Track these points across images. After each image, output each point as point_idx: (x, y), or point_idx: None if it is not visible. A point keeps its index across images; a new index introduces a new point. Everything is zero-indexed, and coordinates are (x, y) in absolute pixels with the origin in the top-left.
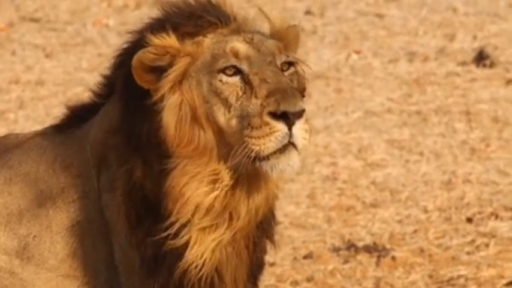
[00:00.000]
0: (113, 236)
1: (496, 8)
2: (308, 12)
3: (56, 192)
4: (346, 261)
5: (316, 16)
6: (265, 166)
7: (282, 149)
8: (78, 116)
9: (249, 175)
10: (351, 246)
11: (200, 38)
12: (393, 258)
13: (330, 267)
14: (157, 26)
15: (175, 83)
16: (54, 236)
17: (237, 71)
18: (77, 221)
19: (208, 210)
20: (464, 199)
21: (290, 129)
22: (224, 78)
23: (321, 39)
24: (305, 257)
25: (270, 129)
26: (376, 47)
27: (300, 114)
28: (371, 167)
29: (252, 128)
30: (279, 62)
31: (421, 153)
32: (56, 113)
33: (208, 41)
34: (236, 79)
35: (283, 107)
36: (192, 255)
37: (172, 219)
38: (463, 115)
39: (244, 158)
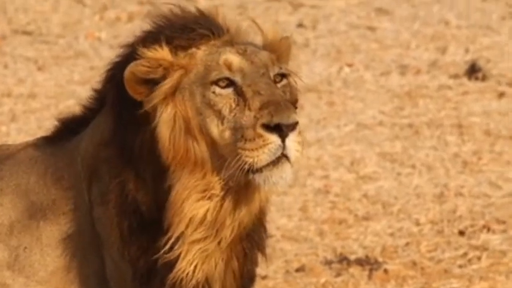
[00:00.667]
0: (104, 249)
1: (488, 21)
2: (300, 25)
3: (46, 204)
4: (338, 274)
5: (308, 29)
6: (258, 179)
7: (275, 162)
8: (69, 129)
9: (239, 187)
10: (343, 259)
11: (193, 50)
12: (385, 271)
13: (322, 280)
14: (149, 38)
15: (168, 95)
16: (45, 248)
17: (230, 83)
18: (68, 233)
19: (200, 223)
20: (457, 212)
21: (283, 141)
22: (217, 90)
23: (313, 52)
24: (297, 270)
25: (263, 141)
26: (368, 60)
27: (293, 126)
28: (363, 180)
29: (246, 140)
30: (272, 74)
31: (413, 166)
32: (48, 125)
33: (201, 53)
34: (229, 91)
35: (276, 119)
36: (183, 265)
37: (169, 233)
38: (455, 128)
39: (238, 170)
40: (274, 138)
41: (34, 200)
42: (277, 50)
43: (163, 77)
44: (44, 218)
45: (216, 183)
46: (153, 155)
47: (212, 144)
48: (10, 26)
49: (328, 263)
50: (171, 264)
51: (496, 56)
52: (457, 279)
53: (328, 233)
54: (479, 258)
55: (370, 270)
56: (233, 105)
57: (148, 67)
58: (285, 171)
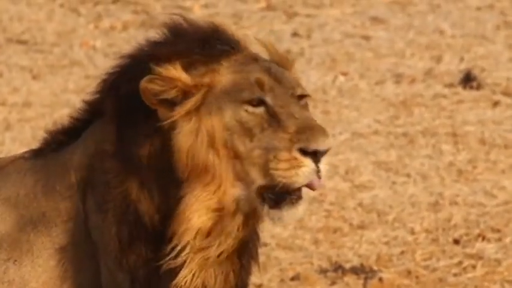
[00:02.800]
0: (100, 259)
1: (483, 30)
2: (295, 34)
3: (37, 217)
4: (333, 283)
5: (303, 38)
6: (283, 209)
7: (299, 197)
8: (58, 141)
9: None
10: (338, 268)
11: (215, 65)
12: (380, 279)
13: None
14: (162, 52)
15: (192, 110)
16: (36, 259)
17: (261, 102)
18: (60, 244)
19: (207, 234)
20: (451, 221)
21: (316, 165)
22: (250, 108)
23: (307, 61)
24: (292, 279)
25: (298, 163)
26: (363, 69)
27: (326, 151)
28: (358, 189)
29: (279, 161)
30: (296, 95)
31: (408, 175)
32: (43, 134)
33: (224, 69)
34: (261, 110)
35: (314, 146)
36: (185, 273)
37: (174, 241)
38: (450, 137)
39: (261, 192)
40: (308, 162)
41: (24, 213)
42: (285, 66)
43: (178, 97)
44: (35, 230)
45: (230, 198)
46: (163, 165)
47: (234, 159)
48: (4, 35)
49: (323, 271)
50: (174, 272)
51: (491, 65)
52: (452, 287)
53: (323, 242)
54: (474, 267)
55: (365, 278)
56: (265, 125)
57: (162, 86)
58: (302, 207)
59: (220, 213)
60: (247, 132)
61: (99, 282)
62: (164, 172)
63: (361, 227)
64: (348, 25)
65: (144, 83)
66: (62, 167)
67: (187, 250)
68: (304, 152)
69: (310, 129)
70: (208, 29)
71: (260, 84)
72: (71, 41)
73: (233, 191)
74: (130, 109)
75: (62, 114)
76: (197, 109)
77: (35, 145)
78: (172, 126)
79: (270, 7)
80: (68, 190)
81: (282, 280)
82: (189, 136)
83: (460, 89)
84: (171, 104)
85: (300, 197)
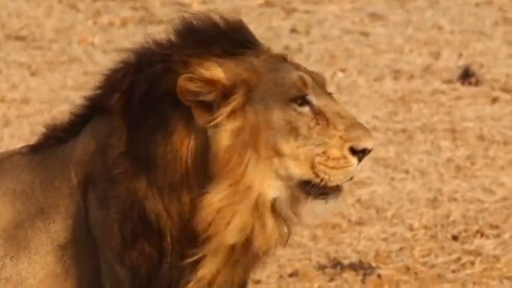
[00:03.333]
0: (101, 255)
1: (482, 26)
2: (293, 31)
3: (34, 213)
4: (331, 279)
5: (301, 34)
6: (319, 203)
7: (340, 190)
8: (56, 137)
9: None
10: (337, 264)
11: (248, 64)
12: (379, 276)
13: (316, 285)
14: (192, 51)
15: (237, 109)
16: (33, 256)
17: (305, 101)
18: (58, 241)
19: (235, 249)
20: (450, 217)
21: (359, 163)
22: (298, 108)
23: (306, 58)
24: (291, 275)
25: (346, 162)
26: (361, 65)
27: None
28: (356, 185)
29: (328, 157)
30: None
31: (407, 171)
32: (41, 130)
33: (260, 68)
34: (306, 109)
35: (363, 144)
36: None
37: (200, 247)
38: (448, 133)
39: (300, 186)
40: (354, 161)
41: (21, 209)
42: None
43: (217, 99)
44: (33, 227)
45: (266, 199)
46: (180, 165)
47: (273, 158)
48: (3, 31)
49: (321, 267)
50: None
51: (490, 61)
52: (451, 284)
53: (322, 238)
54: (472, 263)
55: (364, 275)
56: (312, 124)
57: (201, 87)
58: (343, 199)
59: (257, 213)
60: (293, 131)
61: (98, 280)
62: (178, 172)
63: (360, 223)
64: (347, 21)
65: (182, 82)
66: (62, 164)
67: (211, 252)
68: (353, 151)
69: (359, 128)
70: (233, 25)
71: (304, 83)
72: (69, 37)
73: (270, 191)
74: (146, 108)
75: (61, 111)
76: (242, 108)
77: (33, 141)
78: (211, 126)
79: (268, 3)
80: (67, 187)
81: (280, 276)
82: (231, 135)
83: (458, 85)
84: (207, 105)
85: (341, 189)
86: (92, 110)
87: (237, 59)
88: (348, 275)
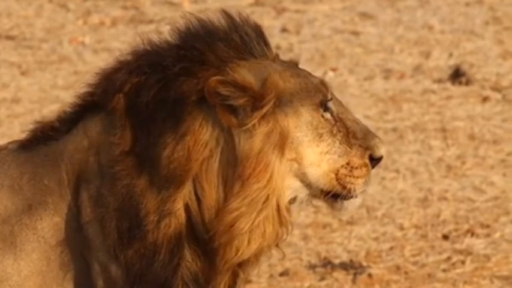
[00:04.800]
0: (91, 254)
1: (472, 26)
2: (284, 30)
3: (22, 210)
4: (322, 279)
5: (292, 34)
6: (348, 204)
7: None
8: (47, 135)
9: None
10: (327, 264)
11: (270, 68)
12: (369, 275)
13: (307, 284)
14: (208, 46)
15: (268, 113)
16: (18, 252)
17: (327, 108)
18: (45, 238)
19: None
20: (440, 216)
21: None
22: (324, 114)
23: (297, 57)
24: (281, 274)
25: (366, 170)
26: (352, 65)
27: None
28: None
29: (352, 167)
30: None
31: (397, 171)
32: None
33: (282, 72)
34: (329, 115)
35: (381, 152)
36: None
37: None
38: (439, 132)
39: (324, 195)
40: (371, 169)
41: (8, 206)
42: None
43: (246, 105)
44: (19, 223)
45: (284, 201)
46: (189, 166)
47: (293, 162)
48: None
49: (312, 267)
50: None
51: (480, 61)
52: (441, 283)
53: (312, 237)
54: (463, 263)
55: (354, 274)
56: (334, 131)
57: (232, 92)
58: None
59: (277, 219)
60: (318, 136)
61: (84, 279)
62: (186, 171)
63: (350, 222)
64: (337, 21)
65: (213, 83)
66: (51, 161)
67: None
68: (372, 160)
69: (374, 136)
70: (253, 28)
71: (326, 87)
72: (59, 36)
73: (288, 192)
74: (154, 109)
75: (51, 110)
76: (273, 112)
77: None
78: (242, 130)
79: (259, 2)
80: (57, 185)
81: (271, 276)
82: (263, 139)
83: (449, 84)
84: (233, 107)
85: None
86: (84, 109)
87: (260, 63)
88: (339, 274)
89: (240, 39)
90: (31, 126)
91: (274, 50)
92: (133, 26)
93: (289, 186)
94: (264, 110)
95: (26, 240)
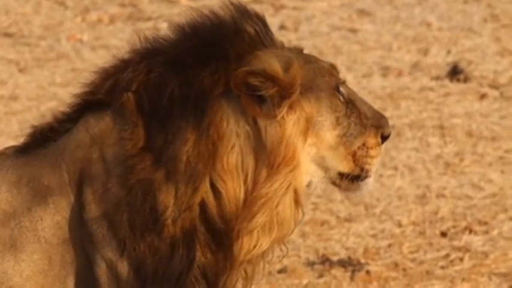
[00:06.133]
0: (96, 252)
1: (470, 23)
2: (282, 27)
3: (21, 212)
4: (320, 276)
5: (290, 31)
6: (364, 185)
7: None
8: (44, 137)
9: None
10: (326, 261)
11: (287, 56)
12: (368, 272)
13: (305, 281)
14: (225, 38)
15: (295, 101)
16: (19, 254)
17: (339, 91)
18: (45, 238)
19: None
20: (439, 213)
21: None
22: (340, 97)
23: None
24: (279, 272)
25: (380, 149)
26: (349, 62)
27: None
28: None
29: (368, 148)
30: None
31: (395, 168)
32: (28, 130)
33: (296, 60)
34: (342, 98)
35: (389, 130)
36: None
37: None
38: (437, 129)
39: (341, 177)
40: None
41: (6, 209)
42: None
43: (275, 95)
44: (19, 225)
45: (303, 185)
46: (204, 159)
47: (311, 146)
48: None
49: (310, 264)
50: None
51: (478, 58)
52: (439, 280)
53: (311, 235)
54: (461, 260)
55: (353, 271)
56: (349, 113)
57: (262, 83)
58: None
59: (291, 200)
60: (336, 120)
61: (86, 276)
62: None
63: (348, 219)
64: (335, 18)
65: (242, 74)
66: (51, 162)
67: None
68: (383, 138)
69: (381, 115)
70: (260, 18)
71: (337, 70)
72: (57, 34)
73: (306, 177)
74: (172, 107)
75: (49, 107)
76: (298, 100)
77: (22, 138)
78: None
79: (257, 0)
80: (57, 184)
81: (269, 273)
82: (291, 126)
83: (447, 81)
84: (260, 97)
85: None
86: (83, 108)
87: (275, 52)
88: (337, 271)
89: (253, 30)
90: (28, 130)
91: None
92: (131, 24)
93: (307, 171)
94: (292, 98)
95: (27, 241)
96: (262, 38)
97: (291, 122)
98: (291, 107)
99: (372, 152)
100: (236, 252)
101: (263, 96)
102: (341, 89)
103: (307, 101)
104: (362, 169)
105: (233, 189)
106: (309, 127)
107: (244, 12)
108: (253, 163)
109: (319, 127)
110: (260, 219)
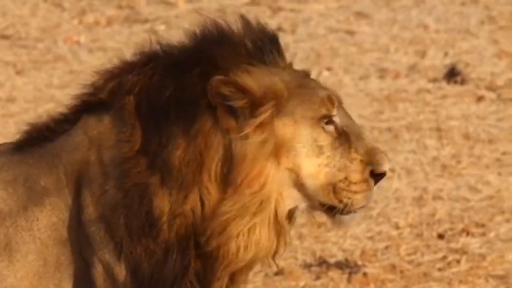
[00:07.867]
0: (92, 254)
1: (467, 25)
2: (279, 29)
3: (17, 211)
4: (317, 278)
5: (287, 33)
6: (345, 219)
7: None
8: (40, 136)
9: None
10: (323, 263)
11: (276, 77)
12: (365, 274)
13: (302, 283)
14: (220, 50)
15: (265, 121)
16: (14, 254)
17: (331, 121)
18: (41, 239)
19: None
20: (436, 215)
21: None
22: (325, 126)
23: (292, 56)
24: (276, 274)
25: (367, 186)
26: (347, 64)
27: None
28: None
29: (350, 182)
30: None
31: (393, 170)
32: (23, 128)
33: (288, 82)
34: (332, 128)
35: (383, 168)
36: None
37: (217, 259)
38: (434, 132)
39: (322, 207)
40: (372, 185)
41: (2, 207)
42: None
43: (245, 107)
44: (15, 225)
45: (284, 210)
46: (196, 167)
47: (291, 171)
48: None
49: (307, 266)
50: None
51: (475, 60)
52: (437, 282)
53: (308, 237)
54: (458, 262)
55: (350, 273)
56: (336, 145)
57: (233, 93)
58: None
59: (275, 226)
60: (317, 149)
61: (82, 278)
62: (195, 172)
63: None
64: (332, 20)
65: (215, 83)
66: (48, 162)
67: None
68: (373, 175)
69: (378, 151)
70: (267, 34)
71: (332, 102)
72: (55, 36)
73: (288, 202)
74: (166, 110)
75: (46, 110)
76: (271, 120)
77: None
78: (238, 136)
79: (254, 2)
80: (55, 185)
81: (266, 275)
82: (257, 147)
83: (444, 83)
84: (233, 109)
85: (364, 207)
86: (82, 109)
87: (268, 70)
88: (334, 273)
89: (252, 45)
90: (24, 128)
91: (288, 59)
92: (128, 26)
93: (290, 196)
94: (261, 117)
95: (22, 241)
96: (262, 54)
97: (256, 143)
98: (260, 126)
99: (354, 187)
100: (216, 266)
101: (236, 110)
102: (333, 119)
103: (281, 123)
104: (341, 202)
105: (214, 200)
106: (280, 151)
107: (249, 27)
108: (230, 177)
109: (295, 153)
110: (228, 234)
